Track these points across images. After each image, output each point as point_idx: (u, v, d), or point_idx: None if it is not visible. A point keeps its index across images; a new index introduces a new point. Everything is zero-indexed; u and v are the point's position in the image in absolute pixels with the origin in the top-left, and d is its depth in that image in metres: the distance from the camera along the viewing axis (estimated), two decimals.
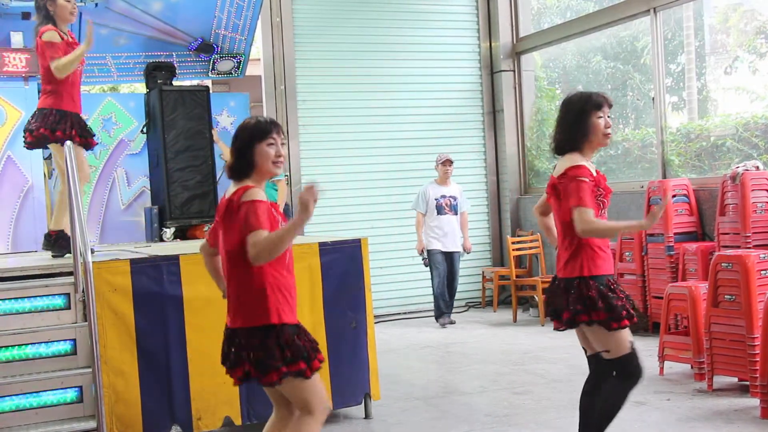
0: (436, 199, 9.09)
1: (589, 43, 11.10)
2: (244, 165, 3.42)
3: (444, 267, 9.05)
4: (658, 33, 8.62)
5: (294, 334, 3.37)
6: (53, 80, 5.34)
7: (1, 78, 7.64)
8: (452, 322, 9.14)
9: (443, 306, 9.14)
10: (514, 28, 10.83)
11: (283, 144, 3.50)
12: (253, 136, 3.42)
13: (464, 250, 9.29)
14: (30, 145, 5.50)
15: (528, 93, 10.85)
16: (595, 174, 3.83)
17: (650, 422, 5.09)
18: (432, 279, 9.14)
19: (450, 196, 9.15)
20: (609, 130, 3.91)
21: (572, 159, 3.87)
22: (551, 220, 4.20)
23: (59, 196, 5.60)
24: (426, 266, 9.20)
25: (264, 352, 3.30)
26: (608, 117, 3.91)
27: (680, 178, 8.03)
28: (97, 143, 5.86)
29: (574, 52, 11.53)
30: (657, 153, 8.65)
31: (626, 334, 3.84)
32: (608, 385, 3.90)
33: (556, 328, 3.97)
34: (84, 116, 5.62)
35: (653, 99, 8.68)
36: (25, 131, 5.45)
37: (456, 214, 9.15)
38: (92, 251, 5.35)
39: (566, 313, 3.83)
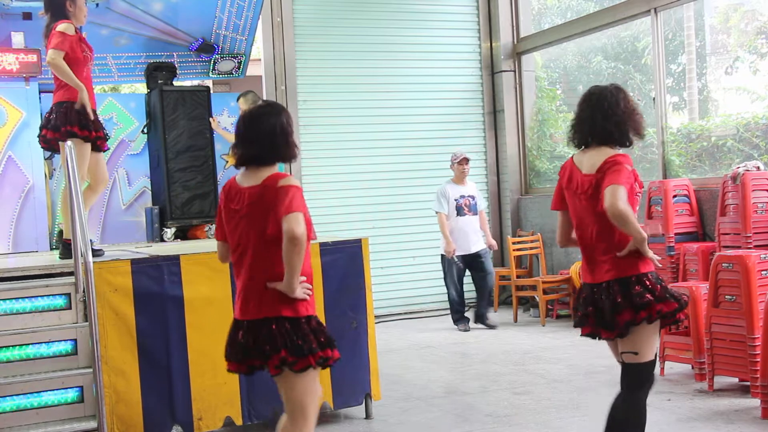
0: (455, 200, 8.73)
1: (590, 44, 11.10)
2: (280, 152, 3.46)
3: (460, 272, 8.82)
4: (659, 33, 8.62)
5: (318, 322, 3.43)
6: None
7: (1, 78, 7.64)
8: (492, 326, 8.78)
9: (458, 310, 8.89)
10: (514, 28, 10.82)
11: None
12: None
13: (489, 247, 8.95)
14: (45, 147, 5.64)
15: (529, 93, 10.85)
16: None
17: (651, 422, 5.05)
18: (447, 285, 8.90)
19: (469, 196, 8.83)
20: None
21: (606, 152, 3.68)
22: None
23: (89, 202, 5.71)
24: (462, 267, 8.84)
25: (300, 338, 3.32)
26: None
27: (681, 179, 8.03)
28: (107, 147, 5.88)
29: (574, 53, 11.53)
30: (658, 153, 8.64)
31: (657, 339, 3.73)
32: (627, 402, 3.68)
33: (607, 338, 3.69)
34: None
35: (654, 99, 8.68)
36: (41, 128, 5.47)
37: (475, 214, 8.82)
38: (101, 252, 5.37)
39: (629, 312, 3.54)
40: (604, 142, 3.71)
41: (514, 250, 9.69)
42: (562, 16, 12.09)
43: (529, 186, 10.75)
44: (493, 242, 9.07)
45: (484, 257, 8.84)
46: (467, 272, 8.93)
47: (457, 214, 8.71)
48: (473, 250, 8.74)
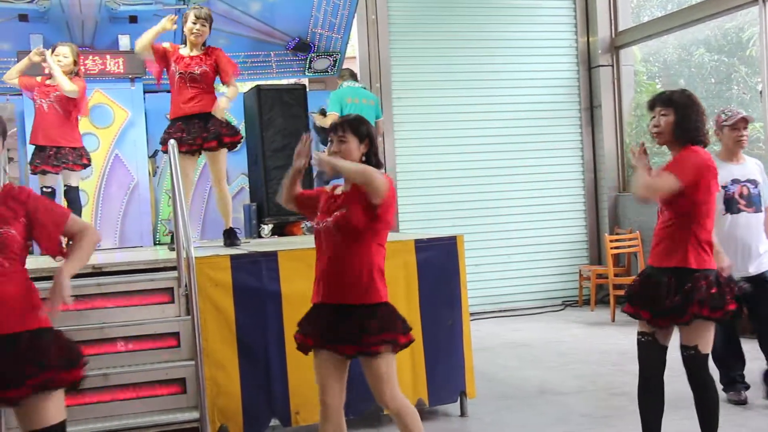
0: (723, 188, 5.12)
1: (692, 36, 10.76)
2: None
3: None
4: (767, 23, 8.29)
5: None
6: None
7: (108, 79, 7.94)
8: (742, 400, 5.38)
9: (728, 365, 5.45)
10: (612, 21, 10.60)
11: (341, 141, 3.77)
12: None
13: None
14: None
15: (627, 88, 10.61)
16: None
17: (753, 428, 4.91)
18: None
19: (747, 181, 5.31)
20: (653, 129, 4.09)
21: None
22: None
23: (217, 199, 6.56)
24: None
25: None
26: (657, 116, 4.10)
27: None
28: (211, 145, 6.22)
29: (675, 45, 11.19)
30: (765, 149, 8.33)
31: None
32: (709, 382, 4.01)
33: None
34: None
35: (761, 92, 8.36)
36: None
37: (758, 210, 5.30)
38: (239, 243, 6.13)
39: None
40: None
41: (611, 248, 9.48)
42: (662, 8, 11.75)
43: (626, 183, 10.51)
44: None
45: None
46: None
47: (727, 210, 5.25)
48: (753, 270, 5.25)
